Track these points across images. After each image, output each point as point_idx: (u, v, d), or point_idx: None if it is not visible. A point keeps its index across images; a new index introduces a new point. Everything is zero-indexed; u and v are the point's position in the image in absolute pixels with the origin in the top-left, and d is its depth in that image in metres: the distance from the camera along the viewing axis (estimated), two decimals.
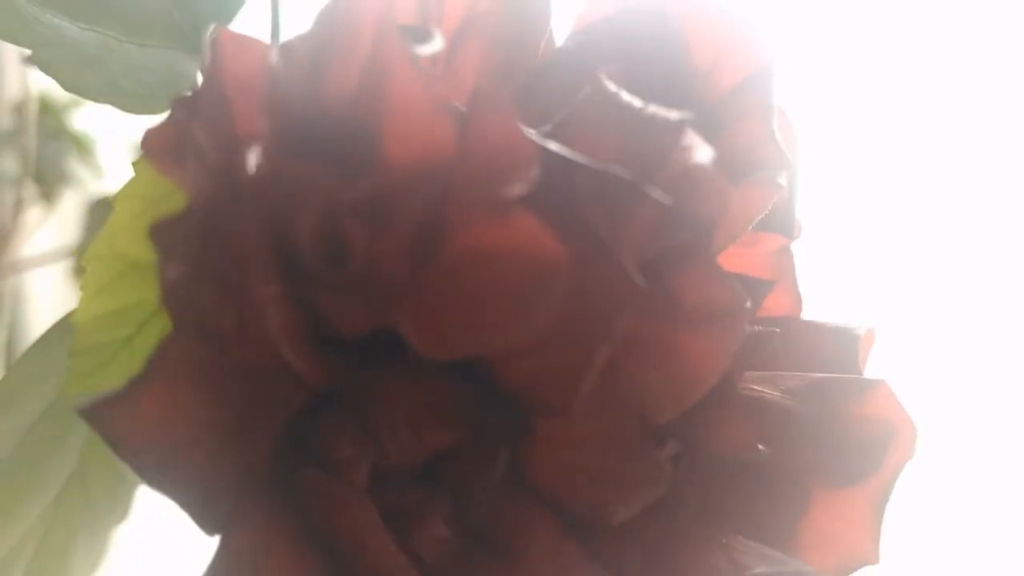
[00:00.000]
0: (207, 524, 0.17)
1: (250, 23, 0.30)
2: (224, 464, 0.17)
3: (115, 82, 0.26)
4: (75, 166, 0.95)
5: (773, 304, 0.24)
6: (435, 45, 0.16)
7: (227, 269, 0.16)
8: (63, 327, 0.28)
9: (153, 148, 0.14)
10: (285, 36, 0.32)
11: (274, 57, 0.14)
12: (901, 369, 0.26)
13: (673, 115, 0.16)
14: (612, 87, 0.17)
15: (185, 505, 0.16)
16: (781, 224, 0.24)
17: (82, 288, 0.26)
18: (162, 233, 0.14)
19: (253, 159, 0.15)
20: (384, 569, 0.17)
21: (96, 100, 0.26)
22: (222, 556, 0.17)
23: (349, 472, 0.18)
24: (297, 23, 0.33)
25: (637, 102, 0.17)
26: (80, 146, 0.94)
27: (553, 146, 0.16)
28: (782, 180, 0.20)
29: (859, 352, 0.23)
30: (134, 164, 0.26)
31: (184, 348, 0.15)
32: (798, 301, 0.25)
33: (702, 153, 0.16)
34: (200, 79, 0.15)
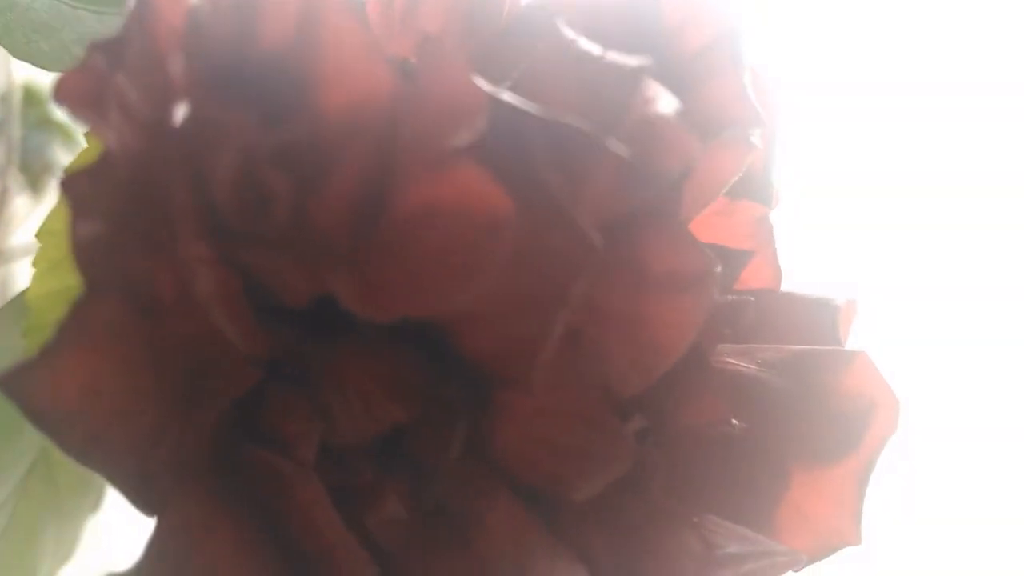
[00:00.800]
0: (144, 503, 0.16)
1: None
2: (164, 439, 0.16)
3: (68, 50, 0.25)
4: (61, 155, 0.94)
5: (751, 276, 0.23)
6: None
7: (157, 228, 0.15)
8: (17, 305, 0.27)
9: (69, 97, 0.13)
10: None
11: None
12: (886, 343, 0.25)
13: (632, 61, 0.15)
14: (570, 34, 0.16)
15: (118, 483, 0.15)
16: (759, 192, 0.23)
17: (35, 264, 0.25)
18: (75, 185, 0.13)
19: (183, 111, 0.14)
20: (333, 551, 0.16)
21: (48, 69, 0.25)
22: (159, 537, 0.16)
23: (296, 449, 0.17)
24: None
25: (596, 49, 0.16)
26: (66, 135, 0.93)
27: (505, 96, 0.15)
28: (756, 140, 0.19)
29: (839, 324, 0.22)
30: (86, 135, 0.25)
31: (105, 312, 0.14)
32: (778, 273, 0.24)
33: (665, 104, 0.15)
34: (126, 22, 0.14)
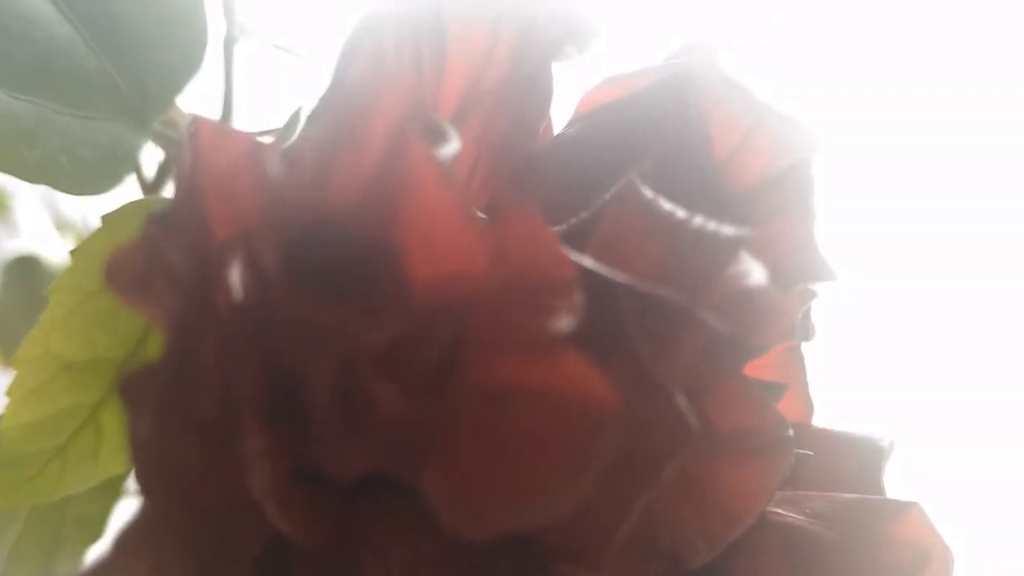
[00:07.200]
0: None
1: (203, 92, 0.27)
2: None
3: (53, 159, 0.23)
4: None
5: (783, 410, 0.23)
6: (453, 146, 0.13)
7: (198, 401, 0.13)
8: None
9: (121, 277, 0.12)
10: (238, 99, 0.29)
11: (273, 162, 0.12)
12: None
13: (726, 231, 0.14)
14: (648, 193, 0.15)
15: None
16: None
17: (9, 393, 0.22)
18: (133, 387, 0.11)
19: (239, 278, 0.13)
20: None
21: (31, 181, 0.23)
22: None
23: None
24: (251, 90, 0.30)
25: (680, 213, 0.14)
26: None
27: (588, 263, 0.14)
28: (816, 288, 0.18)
29: (882, 466, 0.21)
30: (72, 253, 0.23)
31: (150, 515, 0.12)
32: (810, 406, 0.23)
33: (755, 272, 0.14)
34: (176, 183, 0.13)
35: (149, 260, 0.12)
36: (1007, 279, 0.55)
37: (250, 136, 0.14)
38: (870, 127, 0.55)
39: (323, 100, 0.14)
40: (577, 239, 0.16)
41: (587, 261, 0.14)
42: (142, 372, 0.11)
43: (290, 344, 0.11)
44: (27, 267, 0.54)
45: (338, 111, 0.13)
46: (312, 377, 0.11)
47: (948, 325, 0.56)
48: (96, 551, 0.30)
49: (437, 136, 0.13)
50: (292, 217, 0.12)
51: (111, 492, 0.28)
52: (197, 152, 0.13)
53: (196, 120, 0.14)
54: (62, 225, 0.57)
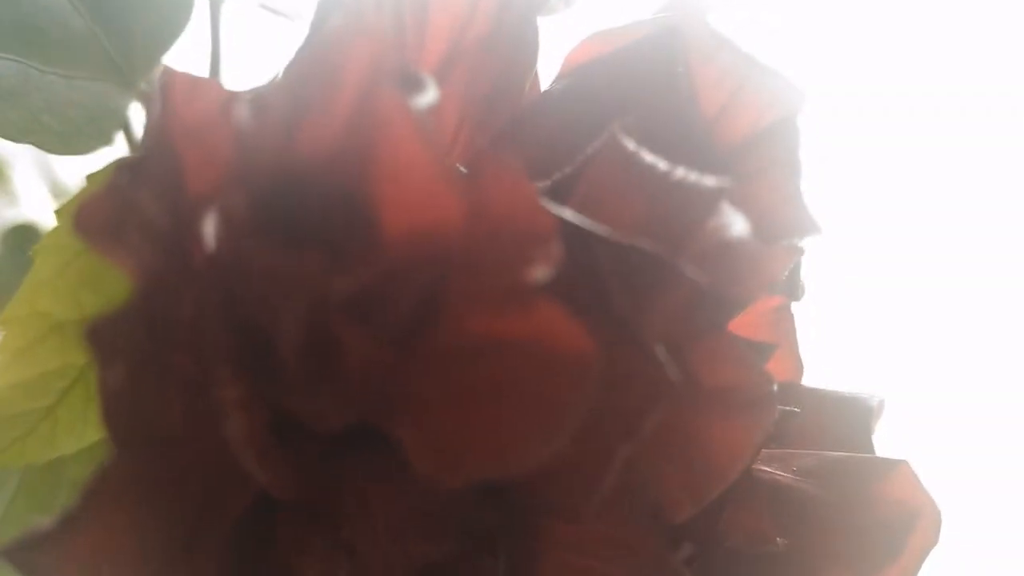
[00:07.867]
0: None
1: (191, 53, 0.27)
2: None
3: (37, 118, 0.23)
4: None
5: (773, 369, 0.22)
6: (430, 95, 0.13)
7: (177, 359, 0.13)
8: None
9: (89, 224, 0.12)
10: (225, 60, 0.29)
11: (243, 111, 0.12)
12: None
13: (707, 182, 0.14)
14: (631, 145, 0.15)
15: None
16: (783, 284, 0.22)
17: None
18: (100, 333, 0.11)
19: (212, 229, 0.12)
20: None
21: (15, 139, 0.23)
22: None
23: None
24: (239, 48, 0.30)
25: (662, 164, 0.14)
26: None
27: (568, 215, 0.14)
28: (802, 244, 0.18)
29: (871, 425, 0.21)
30: (57, 212, 0.23)
31: (124, 471, 0.12)
32: (799, 365, 0.23)
33: (737, 224, 0.14)
34: (144, 133, 0.13)
35: (118, 207, 0.12)
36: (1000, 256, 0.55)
37: (224, 88, 0.14)
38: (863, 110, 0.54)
39: (298, 52, 0.14)
40: (562, 194, 0.16)
41: (566, 213, 0.14)
42: (109, 319, 0.11)
43: (260, 292, 0.11)
44: (25, 235, 0.54)
45: (311, 61, 0.12)
46: (282, 325, 0.11)
47: (948, 308, 0.56)
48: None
49: (413, 86, 0.13)
50: (262, 165, 0.12)
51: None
52: (169, 103, 0.13)
53: (168, 72, 0.13)
54: (59, 193, 0.57)
